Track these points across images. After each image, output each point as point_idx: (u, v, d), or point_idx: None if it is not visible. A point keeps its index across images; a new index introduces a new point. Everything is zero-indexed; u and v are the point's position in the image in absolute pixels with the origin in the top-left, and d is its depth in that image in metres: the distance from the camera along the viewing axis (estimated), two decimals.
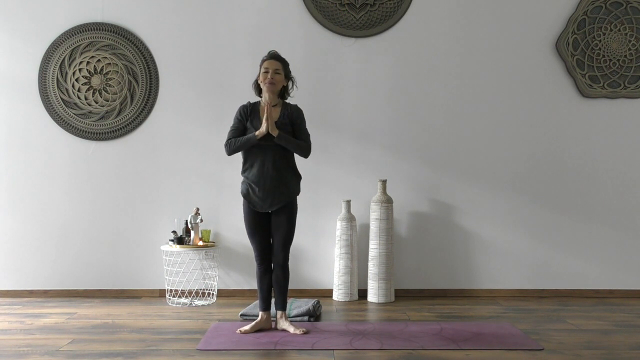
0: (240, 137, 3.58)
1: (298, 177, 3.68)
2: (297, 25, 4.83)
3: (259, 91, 3.66)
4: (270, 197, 3.54)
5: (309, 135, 3.67)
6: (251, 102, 3.69)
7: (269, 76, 3.55)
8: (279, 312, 3.69)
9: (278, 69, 3.57)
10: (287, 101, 3.72)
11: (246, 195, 3.61)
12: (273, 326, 3.73)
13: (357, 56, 4.85)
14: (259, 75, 3.63)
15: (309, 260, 4.82)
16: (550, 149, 4.85)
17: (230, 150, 3.60)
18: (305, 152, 3.62)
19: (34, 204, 4.83)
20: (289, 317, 3.86)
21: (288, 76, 3.66)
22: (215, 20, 4.84)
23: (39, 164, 4.83)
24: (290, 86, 3.69)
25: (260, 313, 3.68)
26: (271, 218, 3.62)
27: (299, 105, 3.71)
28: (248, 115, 3.62)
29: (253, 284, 4.75)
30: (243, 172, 3.63)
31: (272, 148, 3.53)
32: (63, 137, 4.84)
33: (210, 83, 4.85)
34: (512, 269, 4.84)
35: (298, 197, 3.71)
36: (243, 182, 3.64)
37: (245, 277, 4.80)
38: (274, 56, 3.62)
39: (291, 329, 3.60)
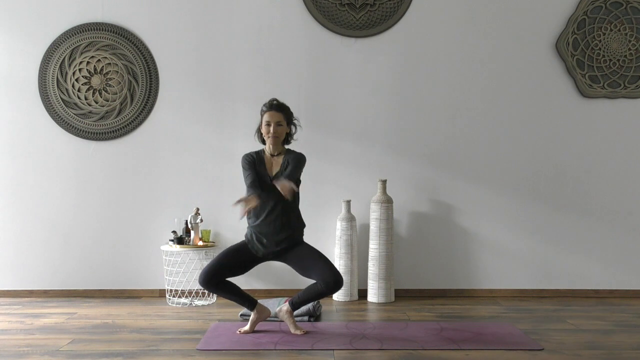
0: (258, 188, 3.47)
1: (302, 225, 3.65)
2: (297, 26, 4.83)
3: (262, 141, 3.63)
4: (272, 246, 3.53)
5: (296, 172, 3.52)
6: (254, 152, 3.64)
7: (271, 130, 3.52)
8: (289, 308, 3.61)
9: (280, 120, 3.54)
10: (290, 147, 3.69)
11: (250, 241, 3.58)
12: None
13: (357, 56, 4.85)
14: (260, 125, 3.59)
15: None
16: (550, 149, 4.85)
17: (252, 189, 3.47)
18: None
19: (33, 204, 4.83)
20: None
21: (290, 123, 3.62)
22: (216, 20, 4.84)
23: (39, 164, 4.83)
24: (293, 131, 3.66)
25: (252, 313, 3.66)
26: (289, 263, 3.58)
27: (302, 153, 3.63)
28: (255, 165, 3.56)
29: (253, 284, 4.75)
30: (247, 219, 3.59)
31: (274, 199, 3.48)
32: (63, 137, 4.84)
33: (210, 83, 4.85)
34: (512, 269, 4.84)
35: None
36: (248, 228, 3.60)
37: (245, 277, 4.78)
38: (274, 107, 3.55)
39: (292, 328, 3.60)
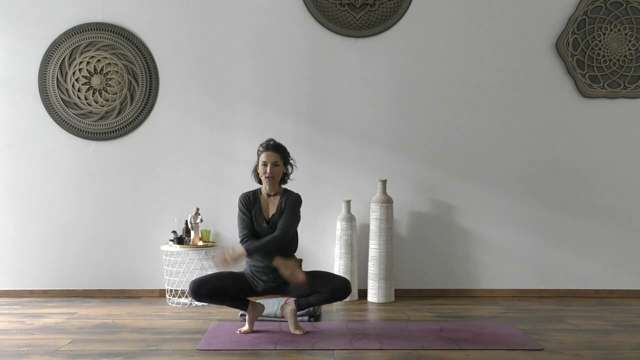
0: (257, 244, 3.47)
1: (298, 261, 3.62)
2: (297, 25, 4.83)
3: (259, 180, 3.65)
4: (271, 281, 3.52)
5: (292, 222, 3.53)
6: (251, 192, 3.65)
7: (267, 170, 3.53)
8: (294, 307, 3.59)
9: (277, 161, 3.54)
10: (287, 187, 3.69)
11: (248, 276, 3.59)
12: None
13: (357, 56, 4.85)
14: (257, 165, 3.60)
15: (309, 260, 4.81)
16: (550, 149, 4.85)
17: (250, 252, 3.48)
18: (275, 244, 3.46)
19: (33, 204, 4.83)
20: None
21: (287, 163, 3.63)
22: (215, 20, 4.84)
23: (39, 164, 4.83)
24: (290, 170, 3.67)
25: (247, 315, 3.65)
26: (289, 293, 3.57)
27: (299, 194, 3.65)
28: (251, 205, 3.58)
29: None
30: (247, 256, 3.55)
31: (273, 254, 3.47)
32: (63, 137, 4.84)
33: (210, 83, 4.85)
34: (512, 269, 4.84)
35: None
36: (247, 264, 3.60)
37: None
38: (271, 147, 3.56)
39: (292, 328, 3.60)
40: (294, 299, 3.63)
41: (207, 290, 3.49)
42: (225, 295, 3.56)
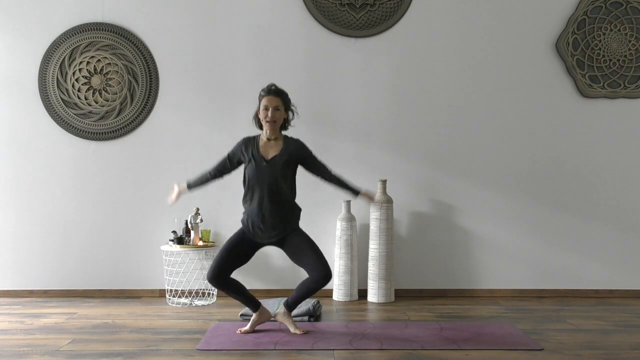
0: (207, 173, 3.74)
1: (297, 210, 3.66)
2: (297, 25, 4.83)
3: (260, 125, 3.66)
4: (269, 230, 3.54)
5: (323, 164, 3.69)
6: (252, 137, 3.69)
7: (269, 114, 3.54)
8: (285, 310, 3.64)
9: (277, 105, 3.55)
10: (286, 133, 3.71)
11: (246, 227, 3.60)
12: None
13: (357, 56, 4.85)
14: (258, 109, 3.61)
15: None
16: (550, 149, 4.85)
17: (195, 177, 3.76)
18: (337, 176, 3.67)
19: (33, 204, 4.83)
20: None
21: (288, 108, 3.64)
22: (215, 20, 4.84)
23: (39, 164, 4.83)
24: (291, 116, 3.68)
25: (254, 314, 3.67)
26: (284, 250, 3.61)
27: (300, 140, 3.68)
28: (250, 147, 3.62)
29: (253, 284, 4.75)
30: (243, 203, 3.63)
31: (269, 182, 3.52)
32: (63, 137, 4.84)
33: (210, 83, 4.85)
34: (512, 269, 4.84)
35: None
36: (244, 213, 3.63)
37: (245, 277, 4.79)
38: (272, 92, 3.57)
39: (292, 328, 3.60)
40: (282, 304, 3.67)
41: (223, 277, 3.54)
42: (241, 289, 3.61)
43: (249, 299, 3.65)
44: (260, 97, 3.59)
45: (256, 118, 3.65)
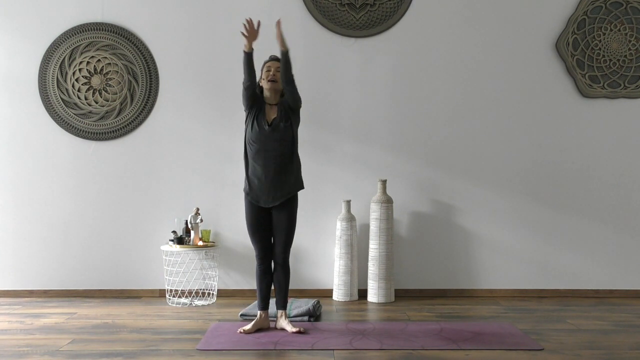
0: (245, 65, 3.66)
1: (299, 165, 3.71)
2: (297, 25, 4.83)
3: (261, 92, 3.73)
4: (272, 190, 3.58)
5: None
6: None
7: (271, 73, 3.65)
8: (279, 312, 3.70)
9: (279, 67, 3.64)
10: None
11: (249, 191, 3.64)
12: (272, 325, 3.73)
13: (357, 56, 4.85)
14: (261, 77, 3.71)
15: (309, 260, 4.82)
16: (550, 149, 4.85)
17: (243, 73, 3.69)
18: (289, 71, 3.61)
19: (33, 204, 4.83)
20: (289, 317, 3.86)
21: None
22: (215, 20, 4.84)
23: (39, 164, 4.83)
24: None
25: (259, 312, 3.70)
26: (272, 216, 3.64)
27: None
28: (258, 101, 3.68)
29: (253, 284, 4.74)
30: (245, 169, 3.68)
31: (273, 141, 3.57)
32: (63, 137, 4.84)
33: (210, 83, 4.85)
34: (512, 269, 4.84)
35: (299, 193, 3.72)
36: (246, 179, 3.67)
37: (245, 277, 4.80)
38: (276, 58, 3.72)
39: (290, 328, 3.60)
40: (277, 309, 3.72)
41: (268, 263, 3.68)
42: (268, 286, 3.71)
43: (265, 297, 3.71)
44: (264, 64, 3.72)
45: (259, 86, 3.73)
